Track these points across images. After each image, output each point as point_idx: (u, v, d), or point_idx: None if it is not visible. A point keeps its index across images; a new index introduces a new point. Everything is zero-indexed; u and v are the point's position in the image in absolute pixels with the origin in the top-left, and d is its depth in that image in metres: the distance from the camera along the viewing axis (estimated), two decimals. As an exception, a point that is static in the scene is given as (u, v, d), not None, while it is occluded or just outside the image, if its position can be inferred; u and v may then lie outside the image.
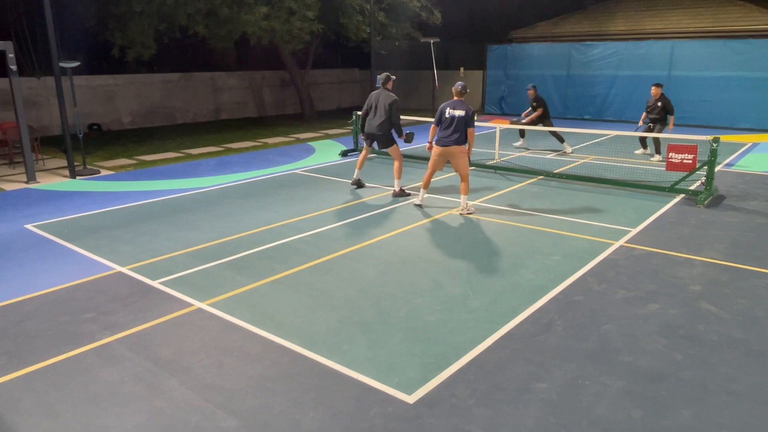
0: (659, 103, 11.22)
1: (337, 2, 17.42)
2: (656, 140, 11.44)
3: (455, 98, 7.70)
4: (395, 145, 8.95)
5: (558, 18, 22.15)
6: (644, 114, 11.63)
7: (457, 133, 7.55)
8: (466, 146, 7.65)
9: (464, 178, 7.73)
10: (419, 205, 8.13)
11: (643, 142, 12.24)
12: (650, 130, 11.32)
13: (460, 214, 7.75)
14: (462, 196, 7.79)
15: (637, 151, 12.43)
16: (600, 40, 19.20)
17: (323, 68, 22.64)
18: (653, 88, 11.38)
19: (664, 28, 19.02)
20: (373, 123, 8.82)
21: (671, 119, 11.37)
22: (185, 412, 3.53)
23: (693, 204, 8.08)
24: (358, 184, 9.41)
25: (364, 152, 9.37)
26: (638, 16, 20.09)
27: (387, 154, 12.28)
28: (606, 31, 20.09)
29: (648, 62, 17.29)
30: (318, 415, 3.47)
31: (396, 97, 8.82)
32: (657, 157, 11.48)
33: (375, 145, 9.16)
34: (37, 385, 3.83)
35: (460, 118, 7.53)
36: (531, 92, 12.51)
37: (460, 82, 7.81)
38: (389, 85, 8.99)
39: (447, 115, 7.60)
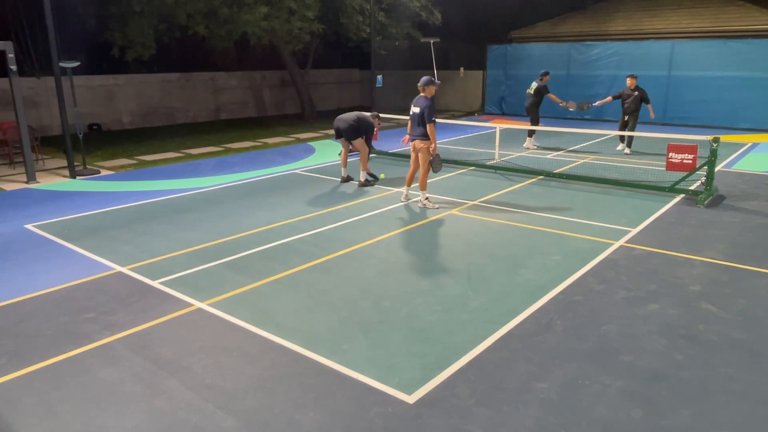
0: (636, 93, 11.72)
1: (337, 2, 17.42)
2: (630, 136, 11.96)
3: (420, 94, 7.89)
4: (360, 138, 9.44)
5: (558, 18, 22.14)
6: (609, 98, 12.32)
7: (419, 127, 7.85)
8: (429, 141, 7.81)
9: (422, 172, 8.04)
10: (404, 202, 8.38)
11: (623, 137, 12.50)
12: (625, 123, 11.97)
13: (422, 206, 8.15)
14: (421, 192, 8.19)
15: (618, 147, 12.66)
16: (600, 40, 19.19)
17: (323, 68, 22.63)
18: (629, 79, 11.88)
19: (664, 28, 19.00)
20: (344, 118, 9.41)
21: (650, 108, 11.95)
22: (185, 412, 3.53)
23: (693, 204, 8.08)
24: (347, 180, 9.83)
25: (343, 151, 9.89)
26: (638, 16, 20.08)
27: (386, 153, 12.33)
28: (606, 31, 20.08)
29: (648, 62, 17.28)
30: (318, 415, 3.47)
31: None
32: (627, 150, 12.23)
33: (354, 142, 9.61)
34: (37, 385, 3.83)
35: (415, 114, 7.87)
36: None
37: (424, 77, 7.95)
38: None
39: (411, 112, 7.98)
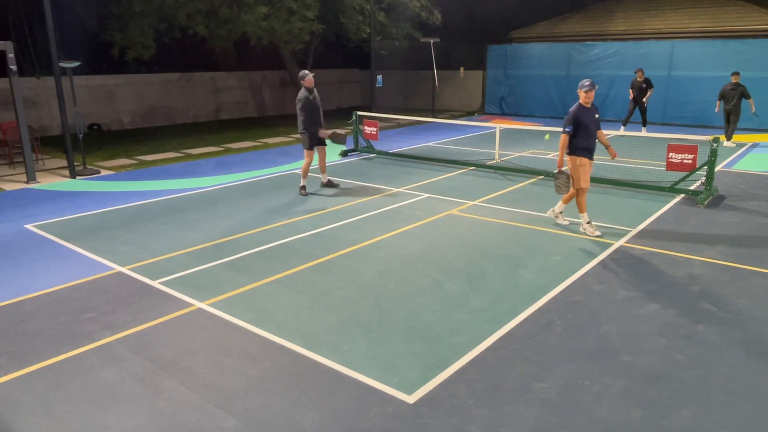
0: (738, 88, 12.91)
1: (337, 2, 17.42)
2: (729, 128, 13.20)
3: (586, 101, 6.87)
4: (307, 150, 8.98)
5: (558, 18, 22.14)
6: (718, 103, 13.22)
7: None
8: (572, 156, 6.92)
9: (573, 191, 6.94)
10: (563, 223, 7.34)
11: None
12: (728, 119, 13.06)
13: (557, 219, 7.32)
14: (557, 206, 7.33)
15: (729, 143, 13.32)
16: (600, 40, 19.18)
17: (323, 68, 22.63)
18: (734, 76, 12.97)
19: (664, 28, 19.00)
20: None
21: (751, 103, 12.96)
22: (185, 412, 3.53)
23: (693, 204, 8.08)
24: (329, 185, 9.42)
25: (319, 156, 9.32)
26: (638, 16, 20.08)
27: (387, 153, 12.33)
28: (606, 31, 20.07)
29: (648, 62, 17.25)
30: (318, 415, 3.47)
31: (300, 96, 8.76)
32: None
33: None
34: (37, 385, 3.83)
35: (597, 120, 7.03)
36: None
37: (587, 80, 6.99)
38: (305, 83, 8.74)
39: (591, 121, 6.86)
